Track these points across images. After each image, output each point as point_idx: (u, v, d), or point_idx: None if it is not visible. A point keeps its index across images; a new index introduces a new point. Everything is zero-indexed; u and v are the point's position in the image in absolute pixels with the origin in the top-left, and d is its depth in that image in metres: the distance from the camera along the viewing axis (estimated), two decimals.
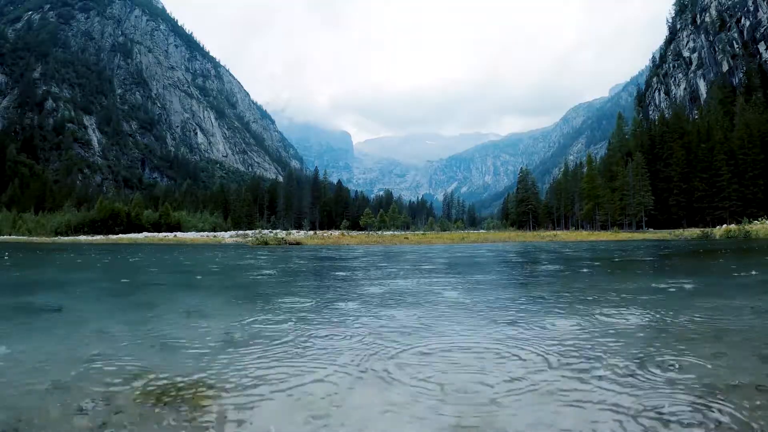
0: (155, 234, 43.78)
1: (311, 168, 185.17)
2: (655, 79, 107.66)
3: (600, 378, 1.85)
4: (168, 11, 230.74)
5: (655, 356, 2.16)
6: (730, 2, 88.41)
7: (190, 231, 53.63)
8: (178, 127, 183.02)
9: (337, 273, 7.53)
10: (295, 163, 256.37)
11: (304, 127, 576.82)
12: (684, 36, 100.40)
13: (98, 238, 40.04)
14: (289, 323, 3.08)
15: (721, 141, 53.32)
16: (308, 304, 3.99)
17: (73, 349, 2.44)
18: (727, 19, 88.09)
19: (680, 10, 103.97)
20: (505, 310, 3.56)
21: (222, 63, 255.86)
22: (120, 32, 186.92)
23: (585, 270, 7.82)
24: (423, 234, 40.64)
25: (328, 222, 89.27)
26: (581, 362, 2.08)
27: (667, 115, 69.22)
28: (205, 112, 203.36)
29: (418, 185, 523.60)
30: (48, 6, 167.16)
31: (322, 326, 3.00)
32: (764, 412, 1.49)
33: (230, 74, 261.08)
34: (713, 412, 1.49)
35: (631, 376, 1.87)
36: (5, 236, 47.62)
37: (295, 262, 10.64)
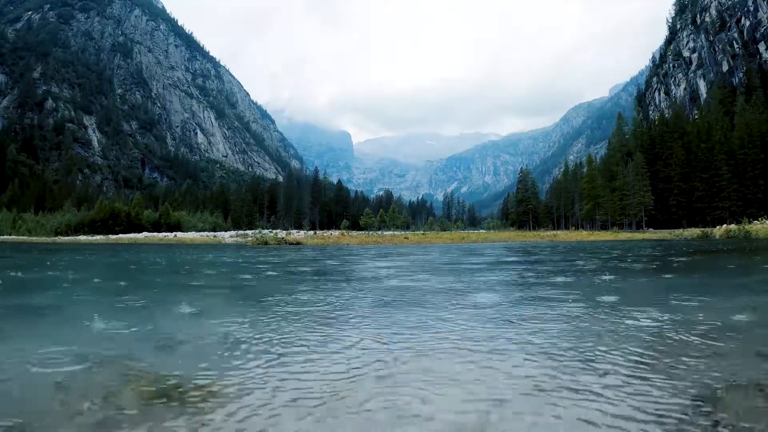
0: (155, 234, 43.75)
1: (311, 168, 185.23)
2: (655, 79, 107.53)
3: (599, 376, 1.85)
4: (168, 11, 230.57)
5: (655, 355, 2.16)
6: (730, 2, 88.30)
7: (190, 231, 53.59)
8: (178, 127, 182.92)
9: (338, 273, 7.52)
10: (295, 163, 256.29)
11: (304, 127, 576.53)
12: (684, 36, 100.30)
13: (98, 238, 40.02)
14: (290, 323, 3.08)
15: (721, 141, 53.28)
16: (308, 304, 3.99)
17: (74, 349, 2.43)
18: (727, 19, 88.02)
19: (680, 10, 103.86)
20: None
21: (222, 63, 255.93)
22: (120, 32, 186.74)
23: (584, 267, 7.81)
24: (423, 234, 40.60)
25: (328, 222, 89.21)
26: (580, 361, 2.08)
27: (667, 115, 69.13)
28: (205, 112, 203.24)
29: (418, 185, 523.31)
30: (48, 6, 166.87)
31: (323, 326, 3.01)
32: (764, 412, 1.49)
33: (230, 74, 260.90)
34: (713, 412, 1.48)
35: (630, 374, 1.86)
36: (5, 236, 47.59)
37: (295, 262, 10.64)
